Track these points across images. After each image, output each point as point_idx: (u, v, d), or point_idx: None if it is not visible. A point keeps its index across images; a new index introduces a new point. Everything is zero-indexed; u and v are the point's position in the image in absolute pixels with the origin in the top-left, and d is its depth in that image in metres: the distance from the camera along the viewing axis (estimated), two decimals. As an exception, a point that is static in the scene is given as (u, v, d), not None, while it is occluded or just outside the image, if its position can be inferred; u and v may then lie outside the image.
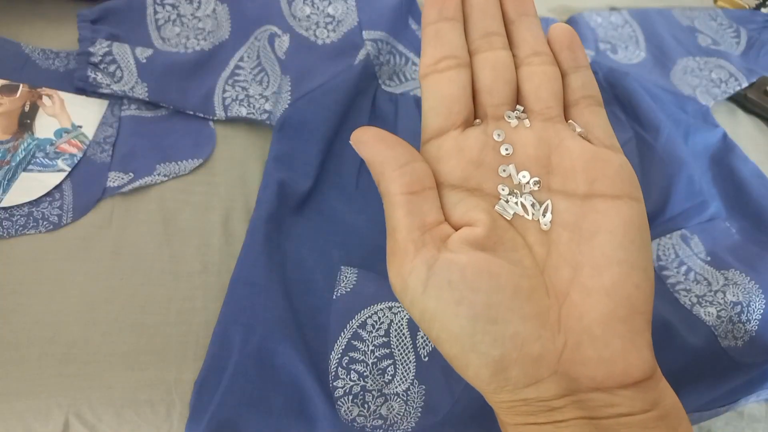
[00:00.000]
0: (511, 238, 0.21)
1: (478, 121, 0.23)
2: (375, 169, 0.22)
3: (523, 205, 0.21)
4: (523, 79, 0.23)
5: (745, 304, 0.39)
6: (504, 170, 0.21)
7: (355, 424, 0.33)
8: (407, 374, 0.34)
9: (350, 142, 0.23)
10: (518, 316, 0.19)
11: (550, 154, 0.21)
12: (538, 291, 0.20)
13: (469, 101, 0.22)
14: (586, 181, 0.21)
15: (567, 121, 0.23)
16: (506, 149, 0.21)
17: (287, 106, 0.43)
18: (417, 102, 0.47)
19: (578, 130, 0.22)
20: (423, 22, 0.23)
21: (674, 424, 0.20)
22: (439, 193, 0.22)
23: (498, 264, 0.20)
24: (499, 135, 0.22)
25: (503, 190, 0.21)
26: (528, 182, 0.21)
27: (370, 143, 0.22)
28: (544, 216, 0.21)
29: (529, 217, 0.21)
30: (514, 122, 0.22)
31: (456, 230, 0.21)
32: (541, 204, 0.21)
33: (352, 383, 0.34)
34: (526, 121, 0.22)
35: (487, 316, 0.19)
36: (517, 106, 0.23)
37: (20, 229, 0.37)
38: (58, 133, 0.41)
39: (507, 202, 0.21)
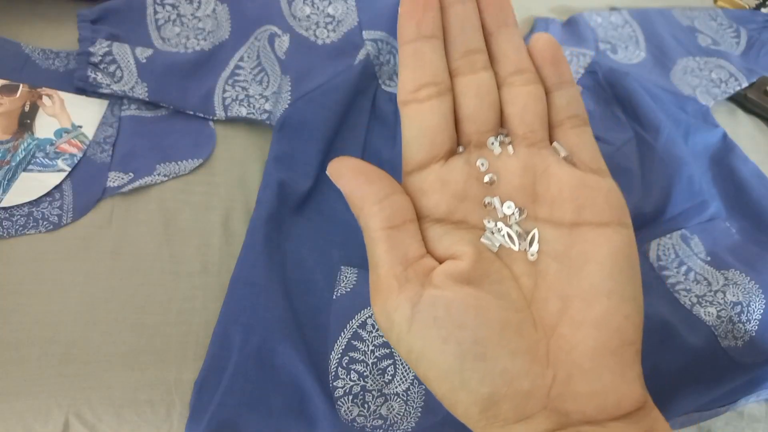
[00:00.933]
0: (498, 270, 0.20)
1: (461, 148, 0.22)
2: (354, 204, 0.21)
3: (509, 236, 0.20)
4: (506, 101, 0.22)
5: (745, 304, 0.39)
6: (488, 202, 0.21)
7: (355, 424, 0.33)
8: (407, 374, 0.34)
9: (327, 173, 0.22)
10: (507, 351, 0.19)
11: (535, 182, 0.21)
12: (526, 324, 0.20)
13: (452, 131, 0.21)
14: (574, 209, 0.20)
15: (552, 143, 0.22)
16: (490, 179, 0.21)
17: (287, 106, 0.43)
18: None
19: (563, 154, 0.21)
20: (399, 39, 0.22)
21: None
22: (422, 226, 0.21)
23: (484, 298, 0.19)
24: (482, 164, 0.21)
25: (488, 222, 0.21)
26: (513, 213, 0.20)
27: (348, 176, 0.21)
28: (530, 246, 0.20)
29: (516, 248, 0.20)
30: (497, 150, 0.21)
31: (440, 263, 0.20)
32: (527, 234, 0.20)
33: (352, 383, 0.34)
34: (510, 148, 0.21)
35: (475, 353, 0.19)
36: (501, 130, 0.22)
37: (20, 229, 0.37)
38: (58, 133, 0.41)
39: (493, 233, 0.20)
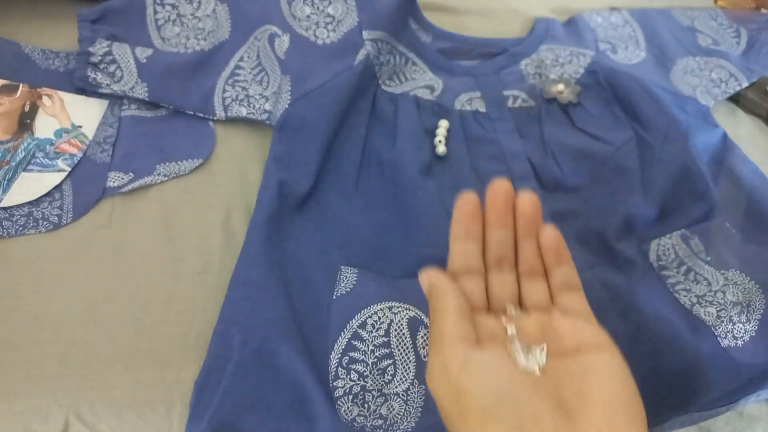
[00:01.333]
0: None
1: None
2: (439, 291, 0.28)
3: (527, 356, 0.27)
4: (523, 287, 0.30)
5: (745, 304, 0.39)
6: (511, 341, 0.28)
7: (355, 423, 0.33)
8: (407, 374, 0.34)
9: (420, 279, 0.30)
10: (539, 402, 0.24)
11: (543, 330, 0.28)
12: (553, 396, 0.25)
13: (484, 297, 0.30)
14: (574, 343, 0.27)
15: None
16: (511, 328, 0.28)
17: (287, 106, 0.43)
18: (417, 102, 0.47)
19: (559, 313, 0.29)
20: (452, 236, 0.30)
21: None
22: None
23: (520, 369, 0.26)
24: (508, 321, 0.29)
25: (515, 348, 0.27)
26: (530, 349, 0.27)
27: (437, 274, 0.29)
28: (540, 357, 0.27)
29: (537, 367, 0.26)
30: (512, 312, 0.30)
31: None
32: (539, 349, 0.27)
33: (352, 383, 0.34)
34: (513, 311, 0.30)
35: (511, 394, 0.24)
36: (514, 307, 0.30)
37: (20, 229, 0.37)
38: (58, 133, 0.41)
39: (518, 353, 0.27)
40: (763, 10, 0.63)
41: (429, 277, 0.29)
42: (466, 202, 0.30)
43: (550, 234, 0.30)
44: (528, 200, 0.30)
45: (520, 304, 0.31)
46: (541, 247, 0.30)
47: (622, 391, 0.25)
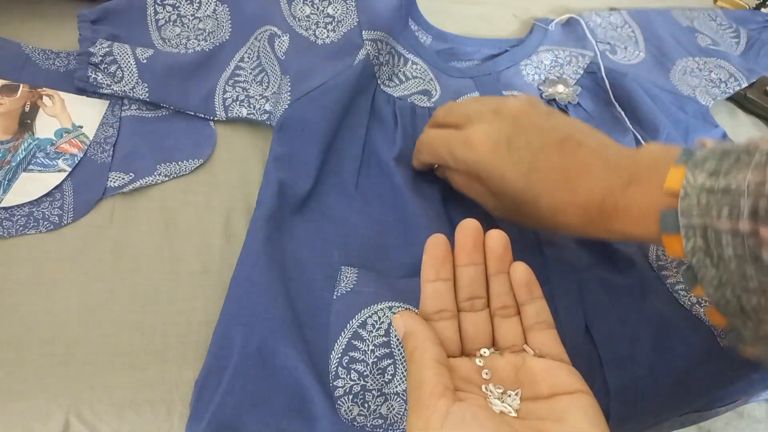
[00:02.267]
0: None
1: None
2: (414, 338, 0.29)
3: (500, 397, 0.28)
4: (496, 327, 0.31)
5: (744, 304, 0.39)
6: (486, 387, 0.29)
7: (355, 423, 0.33)
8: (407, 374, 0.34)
9: (393, 322, 0.31)
10: None
11: (517, 372, 0.29)
12: None
13: (458, 340, 0.31)
14: (548, 386, 0.27)
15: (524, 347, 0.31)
16: (486, 373, 0.29)
17: (287, 106, 0.43)
18: (413, 109, 0.47)
19: (531, 353, 0.30)
20: (423, 278, 0.31)
21: None
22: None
23: (500, 418, 0.26)
24: (480, 362, 0.30)
25: (490, 393, 0.28)
26: (506, 393, 0.28)
27: (413, 320, 0.30)
28: (514, 401, 0.27)
29: (507, 409, 0.27)
30: (487, 354, 0.30)
31: None
32: (514, 393, 0.28)
33: (352, 383, 0.34)
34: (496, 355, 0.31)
35: None
36: (489, 348, 0.31)
37: (21, 229, 0.37)
38: (59, 133, 0.41)
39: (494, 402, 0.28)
40: (763, 10, 0.63)
41: (404, 322, 0.30)
42: (435, 243, 0.31)
43: (522, 271, 0.31)
44: (497, 238, 0.31)
45: (494, 344, 0.31)
46: (513, 284, 0.31)
47: None
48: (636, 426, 0.37)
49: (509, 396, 0.28)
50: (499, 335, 0.31)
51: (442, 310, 0.30)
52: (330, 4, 0.48)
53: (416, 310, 0.32)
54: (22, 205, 0.38)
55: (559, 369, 0.28)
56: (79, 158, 0.41)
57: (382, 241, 0.40)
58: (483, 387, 0.28)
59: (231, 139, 0.45)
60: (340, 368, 0.34)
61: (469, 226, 0.31)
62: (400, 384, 0.34)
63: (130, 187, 0.40)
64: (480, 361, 0.30)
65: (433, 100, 0.48)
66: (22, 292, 0.35)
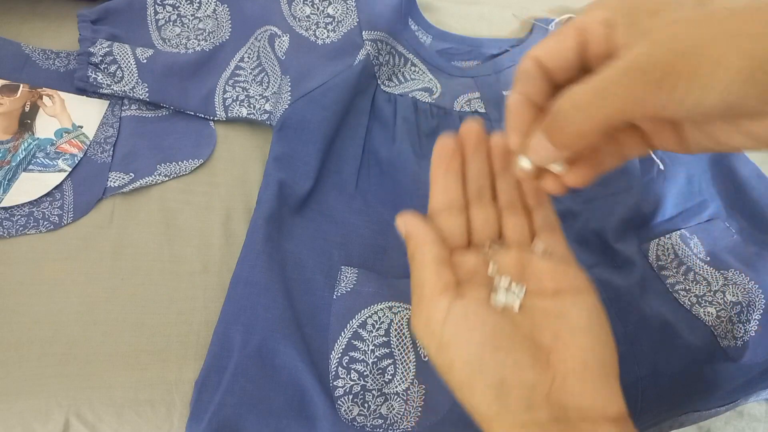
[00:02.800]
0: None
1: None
2: (414, 239, 0.28)
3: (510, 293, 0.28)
4: (503, 223, 0.31)
5: (744, 304, 0.39)
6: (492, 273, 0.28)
7: (355, 423, 0.33)
8: (407, 374, 0.34)
9: (396, 221, 0.30)
10: (517, 347, 0.25)
11: (524, 269, 0.28)
12: (530, 339, 0.26)
13: (465, 233, 0.30)
14: (553, 284, 0.27)
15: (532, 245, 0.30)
16: (493, 265, 0.29)
17: (287, 106, 0.43)
18: (415, 104, 0.47)
19: (541, 248, 0.29)
20: (432, 172, 0.30)
21: None
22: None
23: (500, 313, 0.26)
24: (487, 254, 0.29)
25: (498, 282, 0.28)
26: (511, 284, 0.28)
27: (413, 221, 0.29)
28: (519, 294, 0.27)
29: (511, 300, 0.27)
30: (495, 248, 0.30)
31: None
32: (519, 287, 0.28)
33: (352, 383, 0.34)
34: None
35: (493, 345, 0.24)
36: (497, 241, 0.30)
37: (21, 228, 0.37)
38: (59, 133, 0.41)
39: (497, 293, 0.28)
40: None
41: (405, 224, 0.29)
42: (443, 144, 0.30)
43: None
44: (500, 138, 0.31)
45: (502, 239, 0.31)
46: (523, 189, 0.31)
47: (596, 339, 0.25)
48: (636, 426, 0.37)
49: (513, 292, 0.27)
50: (507, 230, 0.30)
51: (451, 203, 0.30)
52: (330, 4, 0.48)
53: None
54: (22, 205, 0.38)
55: (565, 268, 0.28)
56: (79, 158, 0.41)
57: (382, 241, 0.40)
58: (491, 275, 0.28)
59: (231, 139, 0.45)
60: (340, 368, 0.34)
61: (472, 125, 0.31)
62: (400, 384, 0.34)
63: (130, 187, 0.40)
64: (487, 254, 0.29)
65: (434, 96, 0.48)
66: (22, 292, 0.35)
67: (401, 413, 0.33)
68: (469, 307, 0.25)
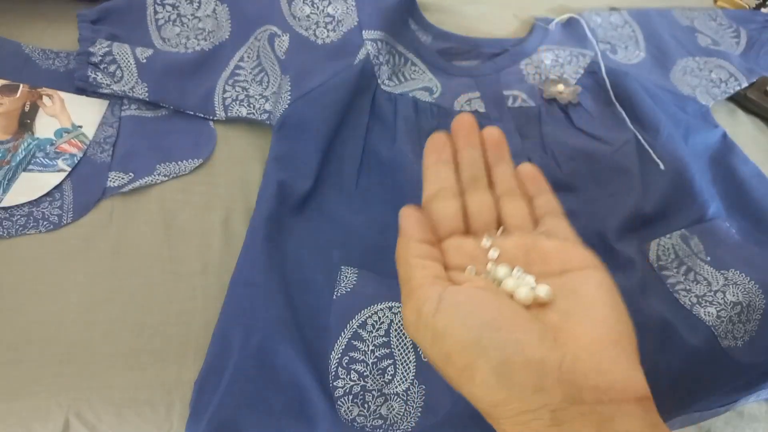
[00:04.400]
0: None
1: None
2: (405, 235, 0.28)
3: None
4: (502, 208, 0.30)
5: (745, 304, 0.39)
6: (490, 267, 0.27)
7: (355, 423, 0.33)
8: (407, 374, 0.34)
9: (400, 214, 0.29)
10: (520, 327, 0.23)
11: (527, 252, 0.27)
12: (535, 320, 0.24)
13: (460, 218, 0.29)
14: (559, 263, 0.26)
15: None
16: (494, 251, 0.28)
17: (287, 105, 0.43)
18: (415, 103, 0.47)
19: (543, 229, 0.28)
20: (424, 164, 0.30)
21: None
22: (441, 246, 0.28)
23: (498, 294, 0.25)
24: (487, 242, 0.28)
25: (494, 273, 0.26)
26: (514, 273, 0.27)
27: (410, 217, 0.28)
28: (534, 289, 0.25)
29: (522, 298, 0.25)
30: (490, 241, 0.28)
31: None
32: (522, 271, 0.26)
33: (352, 383, 0.34)
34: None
35: (492, 326, 0.22)
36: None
37: (20, 229, 0.37)
38: (59, 133, 0.41)
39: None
40: (763, 10, 0.63)
41: (401, 217, 0.29)
42: (435, 136, 0.30)
43: (529, 166, 0.31)
44: (492, 129, 0.31)
45: (502, 224, 0.30)
46: (521, 178, 0.30)
47: (609, 312, 0.24)
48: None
49: (519, 275, 0.26)
50: (506, 216, 0.29)
51: (444, 189, 0.29)
52: (330, 3, 0.48)
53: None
54: (22, 205, 0.38)
55: (572, 248, 0.27)
56: (78, 158, 0.41)
57: (382, 241, 0.40)
58: (489, 266, 0.27)
59: (231, 139, 0.44)
60: (340, 368, 0.34)
61: (464, 117, 0.31)
62: (400, 384, 0.34)
63: (130, 187, 0.40)
64: (487, 242, 0.28)
65: (434, 96, 0.48)
66: (22, 292, 0.35)
67: (401, 414, 0.33)
68: (460, 293, 0.24)
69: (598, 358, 0.22)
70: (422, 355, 0.35)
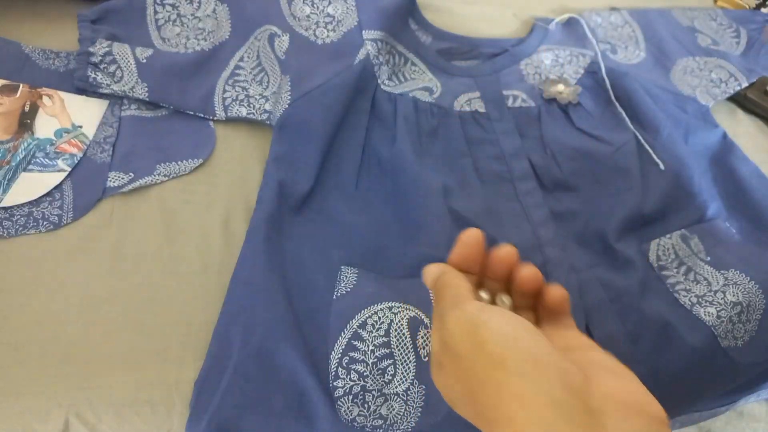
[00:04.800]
0: None
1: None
2: (452, 277, 0.29)
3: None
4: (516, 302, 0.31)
5: (745, 304, 0.39)
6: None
7: (355, 423, 0.33)
8: (407, 374, 0.34)
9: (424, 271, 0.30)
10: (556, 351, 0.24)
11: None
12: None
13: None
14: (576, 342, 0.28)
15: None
16: (508, 300, 0.30)
17: (287, 106, 0.43)
18: (415, 103, 0.47)
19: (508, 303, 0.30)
20: (449, 262, 0.30)
21: None
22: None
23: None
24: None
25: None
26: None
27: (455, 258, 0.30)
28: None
29: None
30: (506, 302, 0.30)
31: None
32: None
33: (352, 383, 0.34)
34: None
35: (529, 332, 0.24)
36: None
37: (20, 228, 0.37)
38: (59, 133, 0.41)
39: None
40: (763, 10, 0.63)
41: (434, 268, 0.30)
42: (470, 235, 0.30)
43: (558, 291, 0.30)
44: (531, 273, 0.30)
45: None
46: (547, 302, 0.30)
47: (631, 382, 0.26)
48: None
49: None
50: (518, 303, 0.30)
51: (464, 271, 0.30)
52: (330, 3, 0.48)
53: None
54: (22, 205, 0.38)
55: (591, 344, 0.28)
56: (78, 158, 0.41)
57: (382, 241, 0.40)
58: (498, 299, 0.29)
59: (231, 139, 0.44)
60: (340, 368, 0.34)
61: (507, 253, 0.30)
62: (400, 384, 0.34)
63: (130, 186, 0.40)
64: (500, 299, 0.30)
65: (434, 96, 0.48)
66: (22, 292, 0.35)
67: (401, 414, 0.33)
68: (502, 310, 0.26)
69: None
70: (422, 356, 0.35)
